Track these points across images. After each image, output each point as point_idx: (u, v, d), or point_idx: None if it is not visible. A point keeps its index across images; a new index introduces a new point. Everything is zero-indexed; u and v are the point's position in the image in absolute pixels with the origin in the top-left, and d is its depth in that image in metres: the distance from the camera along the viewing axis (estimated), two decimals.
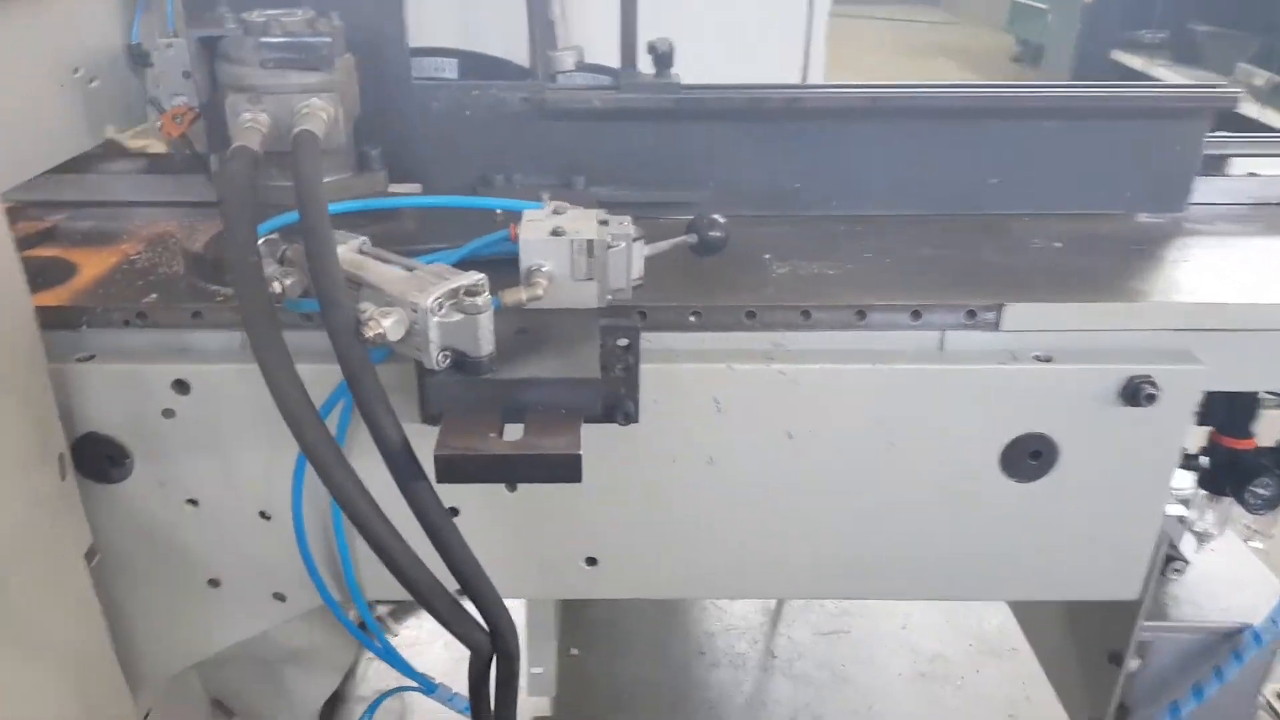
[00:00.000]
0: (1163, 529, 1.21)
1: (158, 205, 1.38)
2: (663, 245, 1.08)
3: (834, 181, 1.40)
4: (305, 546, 1.15)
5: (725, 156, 1.39)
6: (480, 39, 1.54)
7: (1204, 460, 1.37)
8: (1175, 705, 1.34)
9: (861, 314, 1.13)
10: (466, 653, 1.03)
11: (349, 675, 2.28)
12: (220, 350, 1.10)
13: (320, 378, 1.00)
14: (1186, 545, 1.43)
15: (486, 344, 0.87)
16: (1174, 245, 1.32)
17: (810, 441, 1.15)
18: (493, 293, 0.93)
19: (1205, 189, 1.42)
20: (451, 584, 0.98)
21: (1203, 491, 1.40)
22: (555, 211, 1.02)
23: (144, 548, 1.18)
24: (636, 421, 1.08)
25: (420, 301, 0.85)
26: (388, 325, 0.84)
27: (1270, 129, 3.86)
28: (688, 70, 1.36)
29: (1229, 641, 1.34)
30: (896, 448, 1.16)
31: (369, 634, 1.25)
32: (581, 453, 0.84)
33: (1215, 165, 1.47)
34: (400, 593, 0.98)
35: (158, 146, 1.49)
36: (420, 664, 1.37)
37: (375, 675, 2.31)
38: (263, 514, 1.16)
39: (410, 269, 0.92)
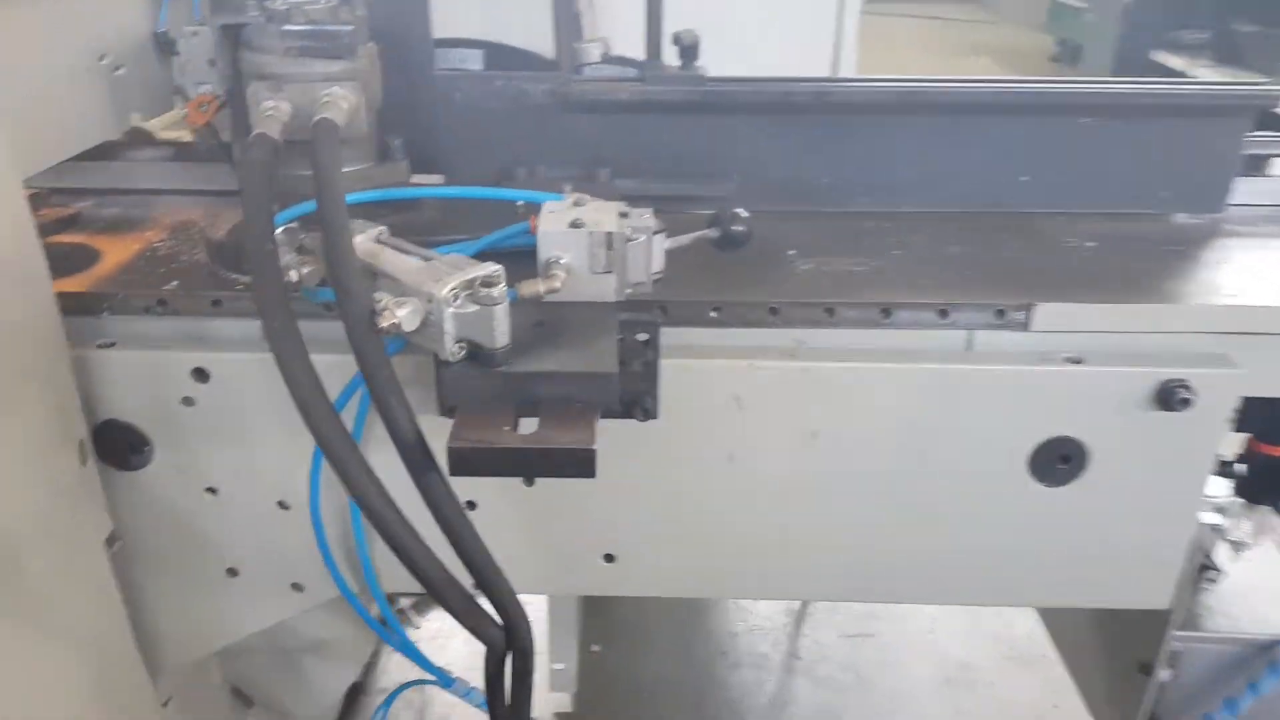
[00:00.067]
0: (1197, 537, 1.18)
1: (183, 194, 1.38)
2: (684, 239, 1.06)
3: (862, 177, 1.38)
4: (323, 538, 1.14)
5: (751, 150, 1.37)
6: (504, 31, 1.53)
7: (1241, 467, 1.34)
8: (1207, 718, 1.30)
9: (887, 312, 1.11)
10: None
11: (371, 666, 2.29)
12: (240, 339, 1.10)
13: (338, 368, 0.99)
14: (1221, 554, 1.39)
15: (502, 336, 0.86)
16: (1212, 247, 1.29)
17: (833, 441, 1.13)
18: (511, 284, 0.92)
19: (1245, 190, 1.38)
20: (467, 580, 0.98)
21: (1239, 499, 1.36)
22: (575, 203, 1.01)
23: (163, 535, 1.18)
24: (655, 418, 1.07)
25: (435, 292, 0.84)
26: (402, 315, 0.83)
27: None
28: (714, 68, 1.35)
29: (1264, 654, 1.30)
30: (922, 449, 1.13)
31: (386, 626, 1.24)
32: (596, 448, 0.83)
33: (1256, 166, 1.43)
34: (417, 586, 0.97)
35: (189, 136, 1.49)
36: (442, 658, 1.37)
37: (397, 667, 2.32)
38: (281, 504, 1.16)
39: (427, 259, 0.91)
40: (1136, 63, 5.88)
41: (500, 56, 1.54)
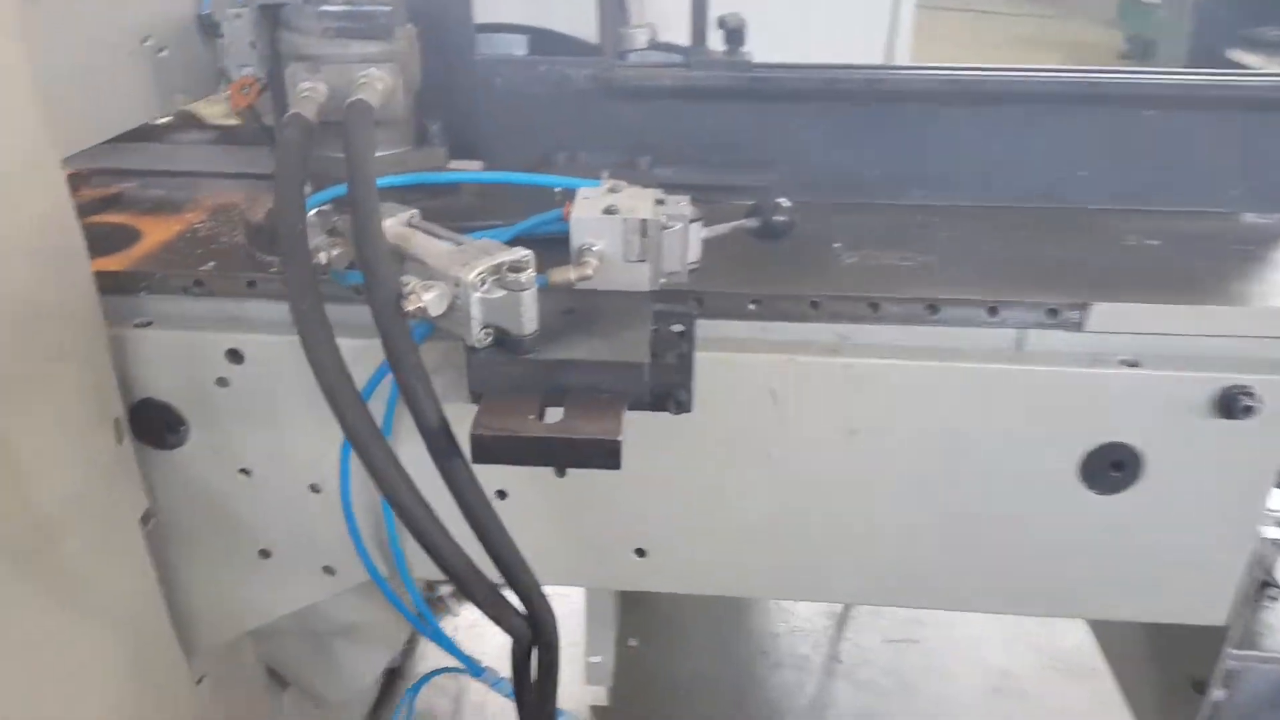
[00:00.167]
0: (1258, 552, 1.12)
1: (226, 176, 1.39)
2: (722, 228, 1.04)
3: (913, 169, 1.33)
4: (353, 522, 1.14)
5: (798, 140, 1.33)
6: (547, 15, 1.51)
7: None
8: None
9: (934, 308, 1.07)
10: None
11: (409, 652, 2.30)
12: (274, 321, 1.09)
13: (369, 352, 0.98)
14: None
15: (529, 322, 0.84)
16: None
17: (874, 440, 1.09)
18: (543, 271, 0.90)
19: None
20: (494, 572, 0.96)
21: None
22: (611, 190, 0.98)
23: (198, 515, 1.19)
24: (689, 411, 1.04)
25: (462, 276, 0.82)
26: (429, 299, 0.82)
27: None
28: (762, 58, 1.31)
29: None
30: (966, 451, 1.09)
31: (415, 612, 1.24)
32: (621, 439, 0.80)
33: None
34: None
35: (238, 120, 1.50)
36: (479, 646, 1.37)
37: (435, 653, 2.32)
38: (313, 487, 1.16)
39: (458, 244, 0.89)
40: (1211, 60, 5.66)
41: (545, 42, 1.53)
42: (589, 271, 0.91)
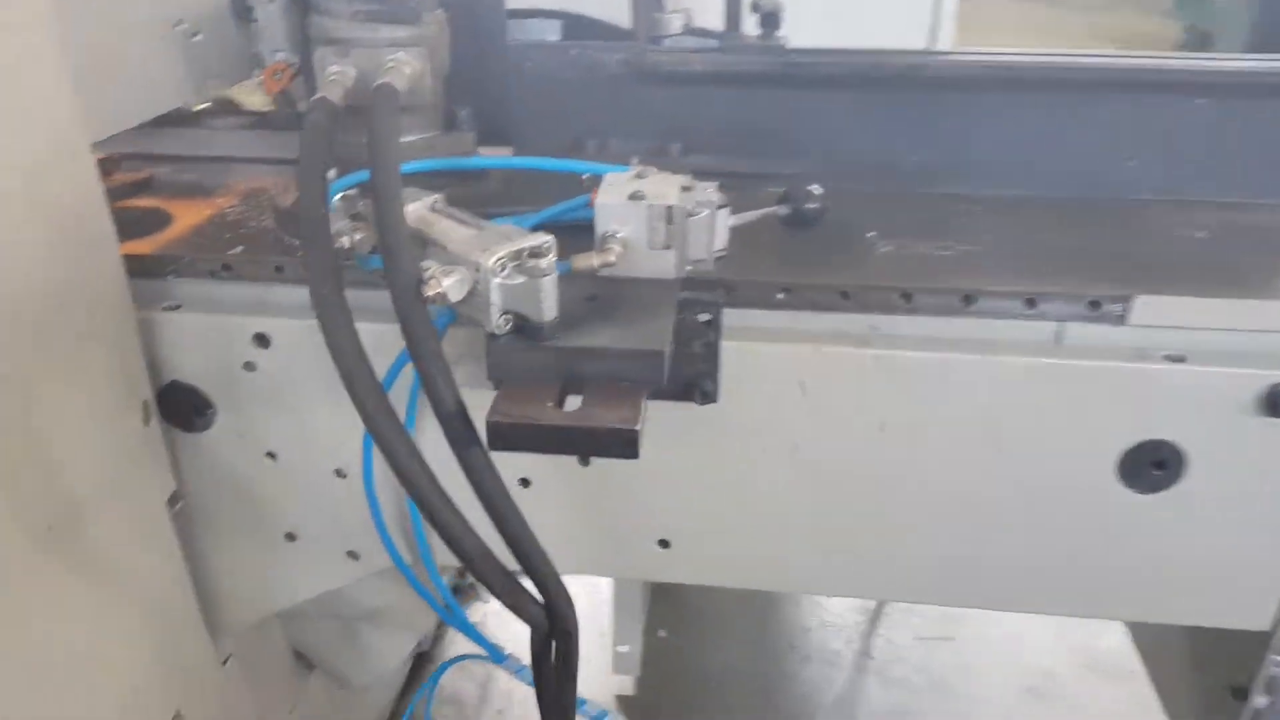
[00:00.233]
0: None
1: (259, 162, 1.39)
2: (750, 215, 1.02)
3: (954, 157, 1.30)
4: (376, 507, 1.14)
5: (835, 127, 1.31)
6: (584, 2, 1.50)
7: None
8: None
9: (969, 299, 1.04)
10: None
11: (440, 637, 2.31)
12: (300, 305, 1.08)
13: (394, 338, 0.97)
14: None
15: (549, 309, 0.83)
16: None
17: (905, 435, 1.07)
18: (566, 257, 0.89)
19: None
20: (513, 562, 0.95)
21: None
22: (638, 175, 0.97)
23: (225, 497, 1.20)
24: (715, 401, 1.02)
25: (482, 261, 0.81)
26: (448, 285, 0.81)
27: None
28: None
29: None
30: (1001, 446, 1.06)
31: (438, 598, 1.23)
32: (639, 428, 0.79)
33: None
34: None
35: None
36: (506, 632, 1.36)
37: (463, 638, 2.33)
38: (338, 472, 1.16)
39: (480, 229, 0.88)
40: (1273, 52, 5.50)
41: (579, 28, 1.51)
42: (612, 258, 0.90)
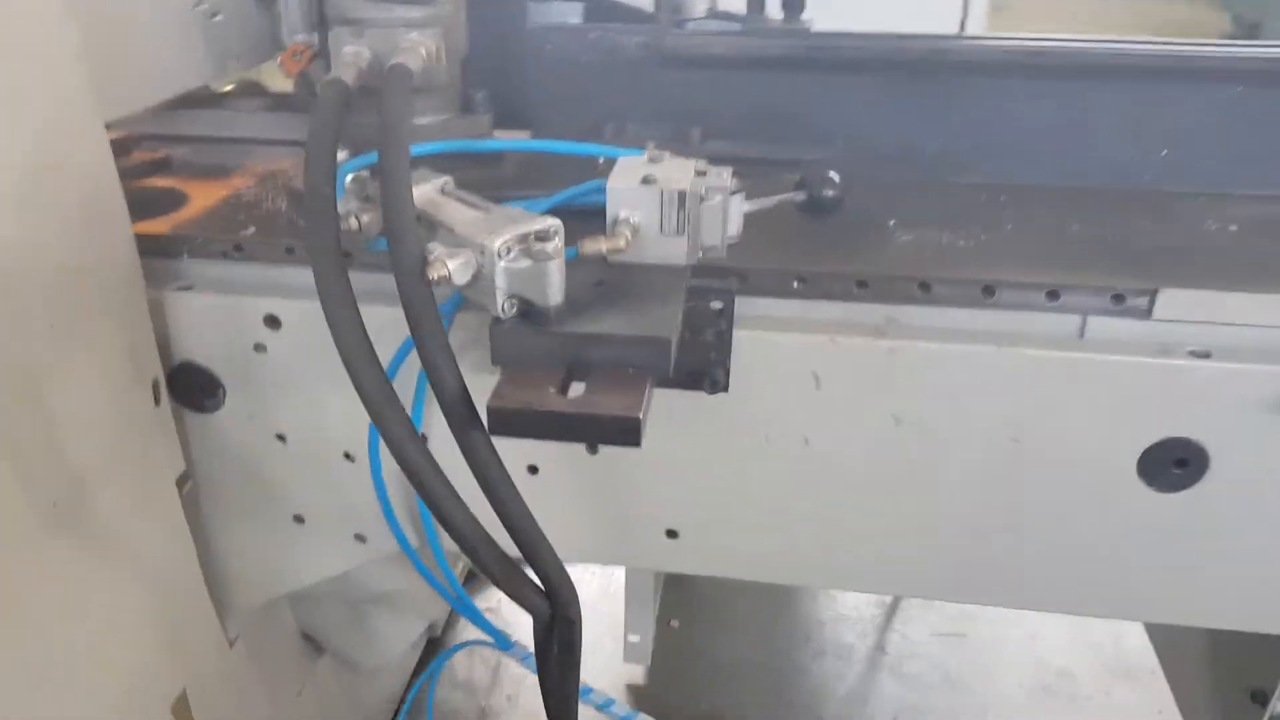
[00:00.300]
0: None
1: (278, 144, 1.39)
2: (766, 202, 1.00)
3: (980, 146, 1.27)
4: (383, 491, 1.13)
5: (857, 113, 1.28)
6: None
7: None
8: None
9: (989, 290, 1.01)
10: None
11: (451, 623, 2.31)
12: (311, 288, 1.06)
13: (404, 322, 0.97)
14: None
15: (555, 294, 0.81)
16: None
17: (920, 428, 1.04)
18: (575, 242, 0.88)
19: None
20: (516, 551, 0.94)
21: None
22: (651, 160, 0.95)
23: (234, 479, 1.20)
24: (725, 390, 1.01)
25: (487, 244, 0.80)
26: (453, 267, 0.80)
27: None
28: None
29: None
30: (1019, 441, 1.03)
31: (445, 583, 1.23)
32: (642, 416, 0.77)
33: None
34: None
35: None
36: (521, 618, 1.35)
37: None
38: (347, 455, 1.16)
39: (488, 212, 0.87)
40: None
41: (602, 11, 1.49)
42: (621, 244, 0.88)
